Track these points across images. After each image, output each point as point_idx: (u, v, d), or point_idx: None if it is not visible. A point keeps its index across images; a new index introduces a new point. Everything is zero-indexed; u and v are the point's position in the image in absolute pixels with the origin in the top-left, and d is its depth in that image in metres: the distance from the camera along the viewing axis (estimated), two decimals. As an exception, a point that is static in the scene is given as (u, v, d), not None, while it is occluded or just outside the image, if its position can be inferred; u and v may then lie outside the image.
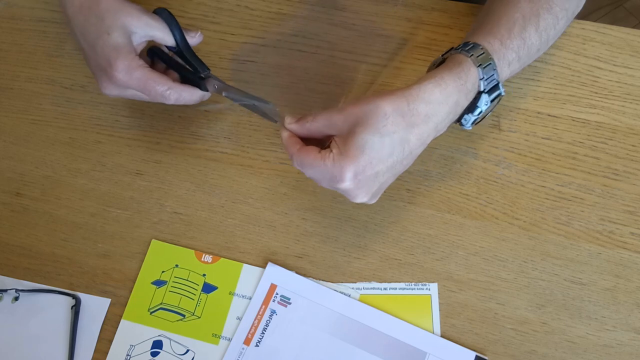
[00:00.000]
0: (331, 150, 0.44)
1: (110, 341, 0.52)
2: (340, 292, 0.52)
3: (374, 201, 0.47)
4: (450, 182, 0.56)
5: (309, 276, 0.53)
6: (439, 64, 0.50)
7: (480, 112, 0.49)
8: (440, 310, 0.52)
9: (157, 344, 0.52)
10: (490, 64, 0.47)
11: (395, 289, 0.52)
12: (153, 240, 0.56)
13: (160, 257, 0.55)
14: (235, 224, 0.56)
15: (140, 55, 0.51)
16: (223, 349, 0.51)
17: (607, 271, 0.52)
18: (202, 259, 0.55)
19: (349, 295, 0.52)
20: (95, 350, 0.52)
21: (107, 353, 0.52)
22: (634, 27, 0.60)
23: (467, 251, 0.53)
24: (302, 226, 0.55)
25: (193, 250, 0.55)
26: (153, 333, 0.52)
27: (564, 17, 0.53)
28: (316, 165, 0.44)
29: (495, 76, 0.48)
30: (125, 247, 0.56)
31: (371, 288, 0.53)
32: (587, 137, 0.56)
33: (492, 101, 0.49)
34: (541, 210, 0.54)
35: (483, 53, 0.47)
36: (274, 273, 0.53)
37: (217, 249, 0.55)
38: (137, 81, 0.49)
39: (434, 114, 0.45)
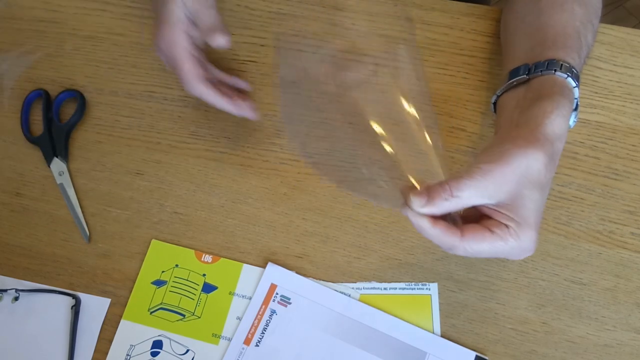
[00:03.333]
0: (506, 225, 0.39)
1: (110, 341, 0.52)
2: (340, 292, 0.52)
3: None
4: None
5: (309, 276, 0.53)
6: (519, 83, 0.47)
7: (569, 128, 0.47)
8: (440, 310, 0.52)
9: (157, 344, 0.52)
10: (579, 80, 0.45)
11: (395, 289, 0.52)
12: (153, 240, 0.56)
13: (160, 257, 0.55)
14: (235, 224, 0.56)
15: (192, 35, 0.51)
16: (223, 349, 0.51)
17: (607, 271, 0.52)
18: (202, 259, 0.55)
19: (349, 295, 0.52)
20: (95, 350, 0.52)
21: (107, 353, 0.51)
22: (634, 27, 0.60)
23: (467, 251, 0.53)
24: (302, 226, 0.55)
25: (193, 250, 0.55)
26: (153, 333, 0.52)
27: (600, 14, 0.52)
28: (498, 248, 0.39)
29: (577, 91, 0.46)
30: (125, 247, 0.56)
31: (371, 288, 0.53)
32: (588, 137, 0.56)
33: (577, 117, 0.48)
34: (541, 210, 0.54)
35: (573, 71, 0.44)
36: (274, 273, 0.53)
37: (217, 249, 0.55)
38: (172, 57, 0.50)
39: (563, 145, 0.43)
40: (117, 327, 0.52)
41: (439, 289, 0.52)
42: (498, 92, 0.49)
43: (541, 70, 0.45)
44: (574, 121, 0.47)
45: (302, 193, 0.57)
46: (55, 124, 0.60)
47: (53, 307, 0.54)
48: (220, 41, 0.51)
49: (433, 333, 0.51)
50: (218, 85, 0.53)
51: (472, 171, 0.39)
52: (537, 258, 0.53)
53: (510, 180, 0.38)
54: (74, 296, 0.53)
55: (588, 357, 0.50)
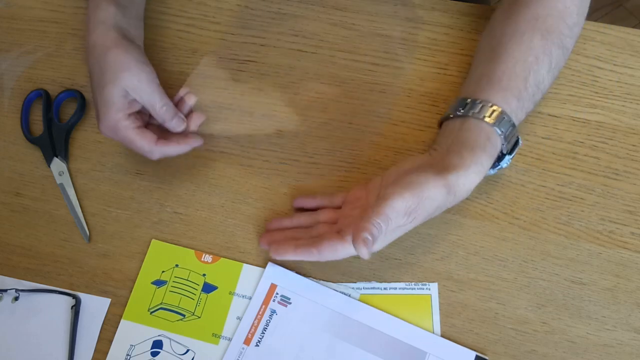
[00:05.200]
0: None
1: (110, 341, 0.52)
2: (340, 292, 0.52)
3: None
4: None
5: (309, 276, 0.53)
6: (455, 116, 0.51)
7: (501, 167, 0.52)
8: (440, 310, 0.52)
9: (157, 344, 0.52)
10: (511, 127, 0.49)
11: (396, 288, 0.52)
12: (153, 240, 0.56)
13: (160, 257, 0.55)
14: (235, 224, 0.56)
15: (135, 111, 0.53)
16: (223, 349, 0.51)
17: (607, 271, 0.52)
18: (202, 259, 0.55)
19: (349, 295, 0.52)
20: (95, 350, 0.52)
21: (107, 353, 0.51)
22: (634, 27, 0.60)
23: (467, 251, 0.53)
24: (302, 226, 0.55)
25: (193, 250, 0.55)
26: (153, 333, 0.52)
27: (572, 44, 0.54)
28: (351, 250, 0.47)
29: (515, 134, 0.50)
30: (125, 247, 0.56)
31: (371, 288, 0.53)
32: (588, 136, 0.56)
33: (512, 158, 0.52)
34: (541, 210, 0.54)
35: (504, 118, 0.49)
36: (274, 273, 0.53)
37: (217, 249, 0.55)
38: (120, 139, 0.53)
39: (465, 197, 0.48)
40: (117, 327, 0.52)
41: (439, 289, 0.52)
42: (442, 118, 0.53)
43: (472, 113, 0.49)
44: (507, 162, 0.52)
45: (302, 193, 0.57)
46: (55, 124, 0.60)
47: (53, 307, 0.54)
48: (176, 128, 0.55)
49: (433, 333, 0.51)
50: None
51: (389, 211, 0.45)
52: (537, 258, 0.53)
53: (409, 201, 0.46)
54: (74, 296, 0.54)
55: (588, 357, 0.50)
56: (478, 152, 0.48)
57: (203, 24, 0.64)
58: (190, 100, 0.57)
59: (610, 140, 0.56)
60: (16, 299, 0.54)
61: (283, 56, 0.62)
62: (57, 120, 0.61)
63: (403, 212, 0.45)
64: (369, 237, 0.44)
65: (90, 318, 0.53)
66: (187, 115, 0.57)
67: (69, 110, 0.62)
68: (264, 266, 0.54)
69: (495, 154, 0.49)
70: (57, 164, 0.59)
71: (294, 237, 0.51)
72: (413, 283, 0.53)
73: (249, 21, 0.64)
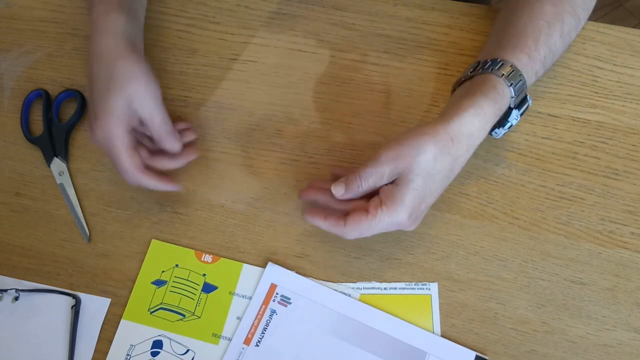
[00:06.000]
0: (381, 205, 0.46)
1: (110, 341, 0.52)
2: (340, 292, 0.52)
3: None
4: (451, 181, 0.56)
5: (309, 276, 0.53)
6: (466, 79, 0.51)
7: (511, 125, 0.51)
8: (440, 310, 0.52)
9: (157, 344, 0.52)
10: (520, 80, 0.49)
11: (396, 288, 0.52)
12: (153, 240, 0.56)
13: (160, 257, 0.55)
14: (235, 224, 0.56)
15: (132, 127, 0.52)
16: (223, 349, 0.51)
17: (607, 271, 0.52)
18: (202, 259, 0.55)
19: (349, 295, 0.52)
20: (95, 350, 0.52)
21: (107, 353, 0.52)
22: (634, 27, 0.60)
23: (467, 251, 0.53)
24: (302, 226, 0.55)
25: (193, 250, 0.55)
26: (153, 333, 0.52)
27: (584, 17, 0.54)
28: (374, 225, 0.46)
29: (524, 90, 0.50)
30: (125, 247, 0.56)
31: (371, 288, 0.53)
32: (588, 136, 0.56)
33: (521, 114, 0.51)
34: (541, 210, 0.54)
35: (513, 71, 0.48)
36: (274, 273, 0.53)
37: (217, 249, 0.55)
38: (108, 149, 0.51)
39: (475, 142, 0.47)
40: (117, 327, 0.52)
41: (439, 289, 0.52)
42: (454, 83, 0.53)
43: (481, 69, 0.49)
44: (517, 118, 0.51)
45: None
46: (55, 124, 0.60)
47: (53, 307, 0.54)
48: (173, 148, 0.54)
49: (433, 333, 0.51)
50: (159, 156, 0.55)
51: (376, 160, 0.46)
52: (537, 258, 0.53)
53: (399, 168, 0.45)
54: (74, 296, 0.54)
55: (588, 357, 0.50)
56: (477, 95, 0.47)
57: (203, 24, 0.64)
58: (189, 138, 0.56)
59: (610, 140, 0.56)
60: (16, 299, 0.54)
61: (283, 56, 0.62)
62: (57, 120, 0.61)
63: (392, 158, 0.45)
64: (348, 182, 0.47)
65: (90, 318, 0.53)
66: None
67: (69, 110, 0.62)
68: (264, 266, 0.54)
69: (500, 101, 0.48)
70: (57, 164, 0.59)
71: (328, 206, 0.51)
72: (413, 283, 0.53)
73: (249, 21, 0.64)
